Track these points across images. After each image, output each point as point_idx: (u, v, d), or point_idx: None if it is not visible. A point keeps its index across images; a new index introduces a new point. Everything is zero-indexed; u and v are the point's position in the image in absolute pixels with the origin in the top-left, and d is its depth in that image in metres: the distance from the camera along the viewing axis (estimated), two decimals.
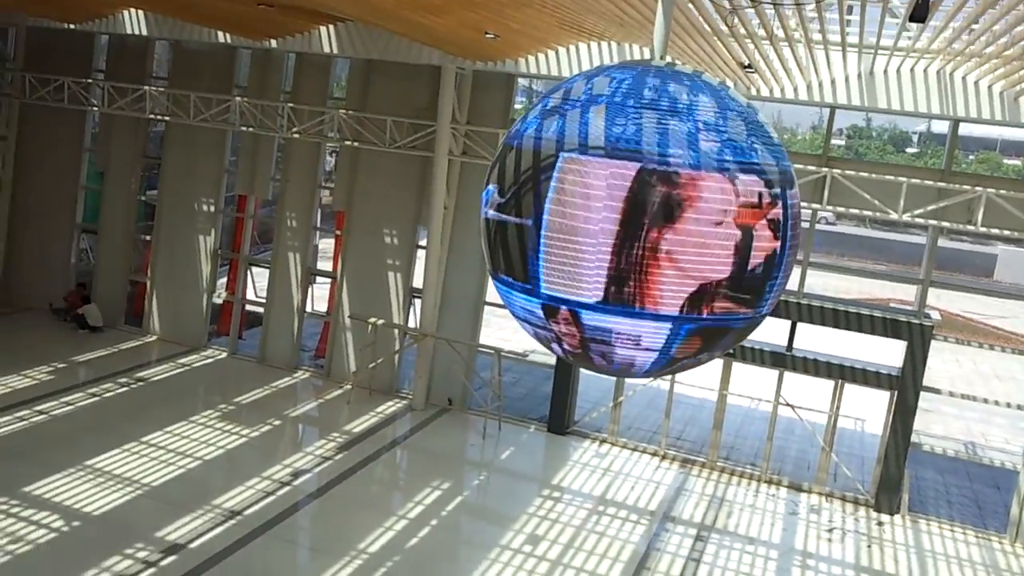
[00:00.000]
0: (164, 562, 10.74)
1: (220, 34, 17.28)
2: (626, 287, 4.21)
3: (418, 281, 17.33)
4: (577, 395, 17.07)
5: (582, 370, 16.87)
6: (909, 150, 58.27)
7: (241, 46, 17.97)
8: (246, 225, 19.28)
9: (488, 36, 13.17)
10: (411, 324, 17.64)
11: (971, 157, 52.62)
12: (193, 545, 11.22)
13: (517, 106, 17.20)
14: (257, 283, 19.78)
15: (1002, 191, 13.71)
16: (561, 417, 16.71)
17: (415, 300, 17.60)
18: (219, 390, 17.06)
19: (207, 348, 19.14)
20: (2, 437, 13.73)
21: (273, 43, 17.02)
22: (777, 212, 4.33)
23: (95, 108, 19.26)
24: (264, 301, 18.92)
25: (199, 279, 19.18)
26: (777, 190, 4.36)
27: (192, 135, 18.71)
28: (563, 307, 4.44)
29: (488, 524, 13.24)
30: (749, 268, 4.23)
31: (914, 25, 11.07)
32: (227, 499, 12.57)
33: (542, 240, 4.34)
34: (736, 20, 10.22)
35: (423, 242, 17.14)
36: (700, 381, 16.06)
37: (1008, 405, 15.61)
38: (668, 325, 4.40)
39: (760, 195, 4.25)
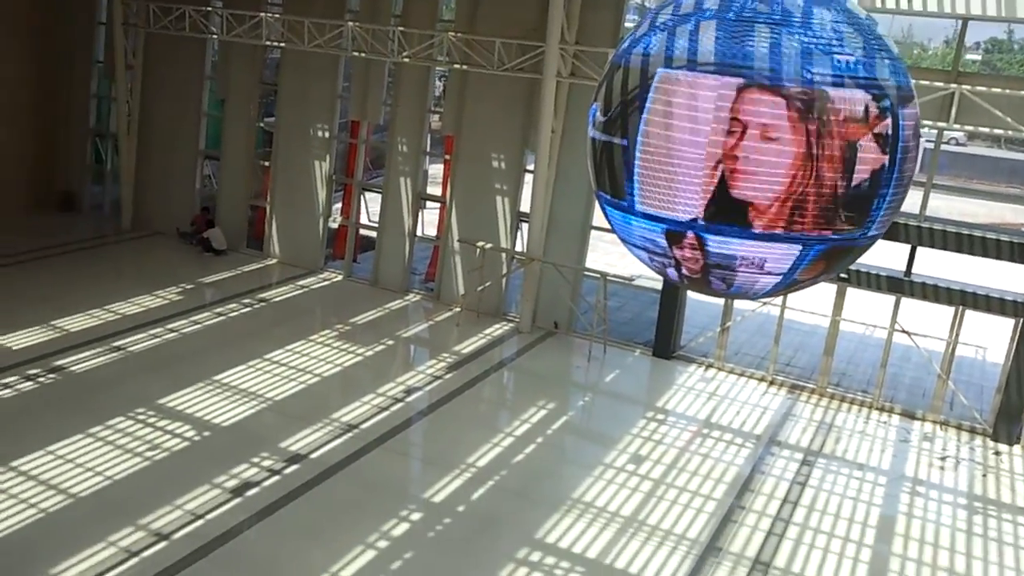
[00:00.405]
0: (287, 470, 11.47)
1: None
2: (724, 204, 4.19)
3: (525, 205, 17.44)
4: (683, 320, 17.01)
5: (689, 295, 16.77)
6: None
7: None
8: (359, 150, 19.73)
9: None
10: (518, 248, 17.84)
11: None
12: (314, 455, 11.92)
13: (628, 24, 16.79)
14: (370, 208, 20.33)
15: None
16: (667, 341, 16.71)
17: (522, 224, 17.75)
18: (335, 311, 17.78)
19: (324, 271, 19.90)
20: (137, 353, 14.77)
21: None
22: (886, 126, 4.20)
23: (214, 36, 19.88)
24: (377, 225, 19.45)
25: (315, 204, 19.84)
26: (887, 104, 4.21)
27: (306, 61, 19.13)
28: (689, 232, 4.43)
29: (592, 444, 13.51)
30: (854, 184, 4.15)
31: None
32: (344, 413, 13.24)
33: (637, 157, 4.35)
34: None
35: (531, 166, 17.17)
36: (812, 307, 15.75)
37: None
38: (798, 247, 4.37)
39: (867, 108, 4.12)
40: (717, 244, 4.42)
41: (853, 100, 4.11)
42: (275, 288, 18.75)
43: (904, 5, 13.47)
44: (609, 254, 22.11)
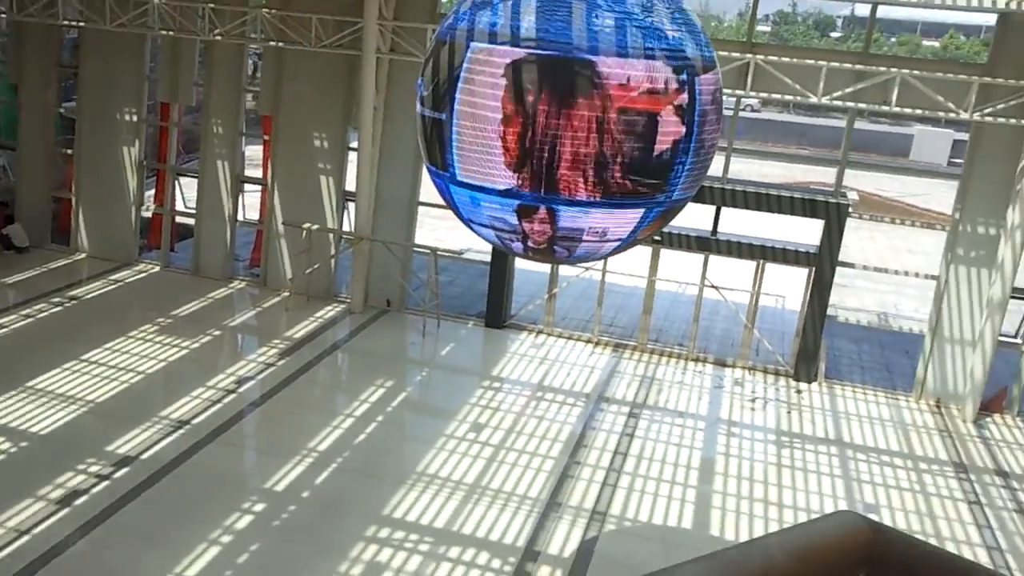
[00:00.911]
0: (117, 474, 11.01)
1: None
2: (536, 173, 4.45)
3: (351, 184, 17.33)
4: (512, 290, 17.53)
5: (516, 265, 17.28)
6: (833, 34, 58.63)
7: None
8: (171, 134, 18.87)
9: None
10: (346, 228, 17.73)
11: (892, 39, 53.25)
12: (144, 456, 11.49)
13: (444, 0, 16.93)
14: (186, 194, 19.53)
15: (915, 71, 14.16)
16: (498, 312, 17.18)
17: (348, 204, 17.64)
18: (154, 304, 17.04)
19: (139, 263, 18.99)
20: None
21: None
22: (683, 98, 4.55)
23: (2, 14, 18.36)
24: (194, 212, 18.73)
25: (126, 192, 18.84)
26: (684, 76, 4.51)
27: (109, 41, 18.02)
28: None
29: (431, 417, 13.77)
30: (656, 153, 4.50)
31: None
32: (173, 410, 12.81)
33: (454, 129, 4.53)
34: None
35: (354, 144, 17.06)
36: (630, 269, 16.63)
37: (916, 275, 16.57)
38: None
39: (666, 81, 4.44)
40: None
41: (654, 72, 4.37)
42: (86, 284, 17.73)
43: None
44: (437, 229, 22.33)
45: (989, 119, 13.96)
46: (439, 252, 17.10)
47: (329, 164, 17.55)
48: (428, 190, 18.23)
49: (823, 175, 29.68)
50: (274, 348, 15.41)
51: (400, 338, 16.69)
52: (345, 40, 16.32)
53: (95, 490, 10.62)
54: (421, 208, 17.52)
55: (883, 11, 16.64)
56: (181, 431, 12.23)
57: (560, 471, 12.06)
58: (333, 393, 14.79)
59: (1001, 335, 14.81)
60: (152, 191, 19.69)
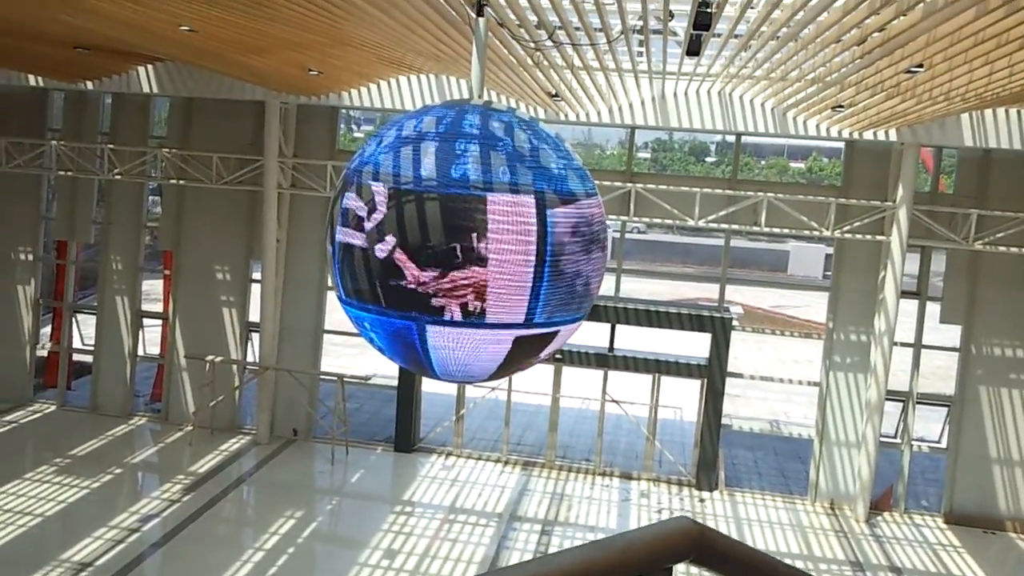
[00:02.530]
0: None
1: (31, 77, 16.77)
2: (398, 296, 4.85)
3: (254, 315, 17.47)
4: (420, 413, 17.74)
5: (424, 388, 17.57)
6: (708, 159, 62.65)
7: (54, 88, 17.48)
8: (68, 271, 18.69)
9: (311, 73, 13.70)
10: (250, 358, 17.73)
11: (763, 162, 57.27)
12: None
13: (358, 135, 17.73)
14: (83, 330, 19.19)
15: (780, 195, 15.59)
16: (407, 436, 17.32)
17: (252, 334, 17.71)
18: (51, 444, 16.47)
19: (34, 403, 18.37)
20: None
21: (89, 84, 16.72)
22: (531, 227, 4.73)
23: None
24: (92, 348, 18.40)
25: (20, 331, 18.40)
26: (542, 206, 4.76)
27: (4, 182, 17.96)
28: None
29: (343, 547, 13.65)
30: (513, 277, 4.87)
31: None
32: (73, 552, 12.34)
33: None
34: (540, 55, 11.32)
35: (257, 275, 17.30)
36: (534, 387, 17.15)
37: (800, 382, 17.66)
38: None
39: (520, 212, 4.88)
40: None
41: (508, 205, 4.82)
42: None
43: (583, 118, 15.56)
44: (341, 356, 22.44)
45: (848, 235, 15.41)
46: (346, 378, 17.25)
47: (232, 296, 17.69)
48: (332, 318, 18.57)
49: (708, 291, 31.32)
50: (178, 484, 15.06)
51: (308, 467, 16.57)
52: (246, 176, 16.80)
53: None
54: (326, 335, 17.74)
55: (750, 137, 18.30)
56: (84, 574, 11.77)
57: None
58: (240, 528, 14.49)
59: (882, 436, 15.84)
60: (48, 328, 19.26)
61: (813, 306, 34.49)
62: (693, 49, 9.93)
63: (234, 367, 17.63)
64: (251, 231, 17.49)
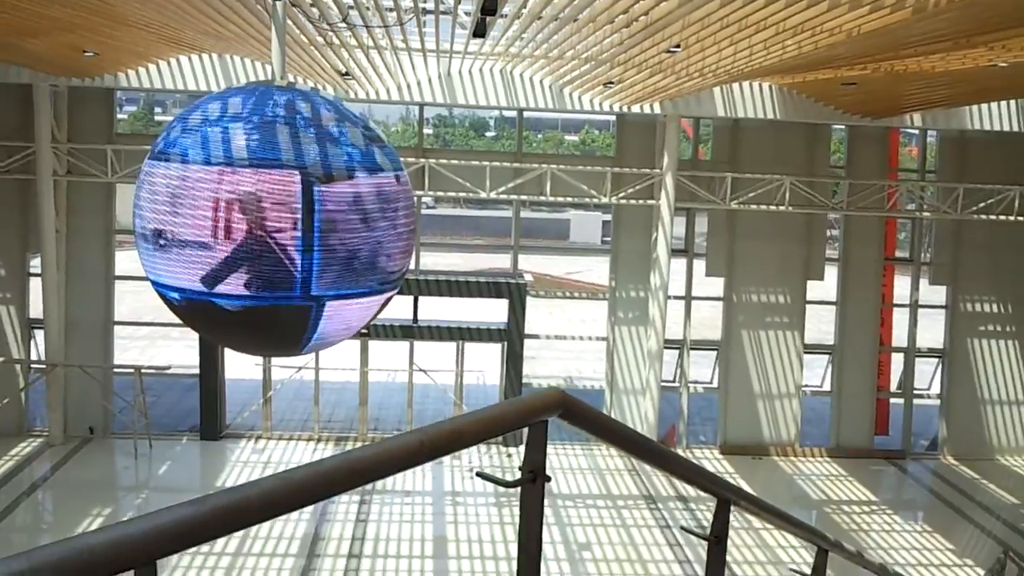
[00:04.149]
0: None
1: None
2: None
3: (36, 311, 16.48)
4: (225, 399, 17.51)
5: (227, 376, 17.35)
6: (488, 134, 64.24)
7: None
8: None
9: (87, 54, 13.12)
10: (34, 356, 16.73)
11: (539, 136, 59.60)
12: None
13: (122, 117, 16.99)
14: None
15: (562, 166, 16.78)
16: (213, 423, 17.05)
17: (36, 331, 16.71)
18: None
19: None
20: None
21: None
22: (296, 206, 4.66)
23: None
24: None
25: None
26: (310, 183, 4.66)
27: None
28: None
29: None
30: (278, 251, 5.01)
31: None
32: None
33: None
34: (331, 34, 11.58)
35: (35, 268, 16.31)
36: (342, 363, 17.42)
37: (590, 339, 19.12)
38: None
39: (289, 190, 4.66)
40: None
41: (274, 182, 5.03)
42: None
43: (372, 96, 15.88)
44: (129, 349, 21.52)
45: (624, 201, 16.88)
46: (143, 370, 16.70)
47: (9, 292, 16.59)
48: (121, 309, 17.85)
49: (500, 261, 32.59)
50: None
51: (110, 464, 15.98)
52: (15, 165, 15.77)
53: None
54: (117, 327, 17.06)
55: (530, 112, 19.41)
56: None
57: (301, 568, 12.39)
58: (40, 535, 13.78)
59: (663, 381, 17.53)
60: None
61: (595, 270, 36.80)
62: (479, 31, 10.62)
63: (17, 367, 16.57)
64: (25, 222, 16.43)
